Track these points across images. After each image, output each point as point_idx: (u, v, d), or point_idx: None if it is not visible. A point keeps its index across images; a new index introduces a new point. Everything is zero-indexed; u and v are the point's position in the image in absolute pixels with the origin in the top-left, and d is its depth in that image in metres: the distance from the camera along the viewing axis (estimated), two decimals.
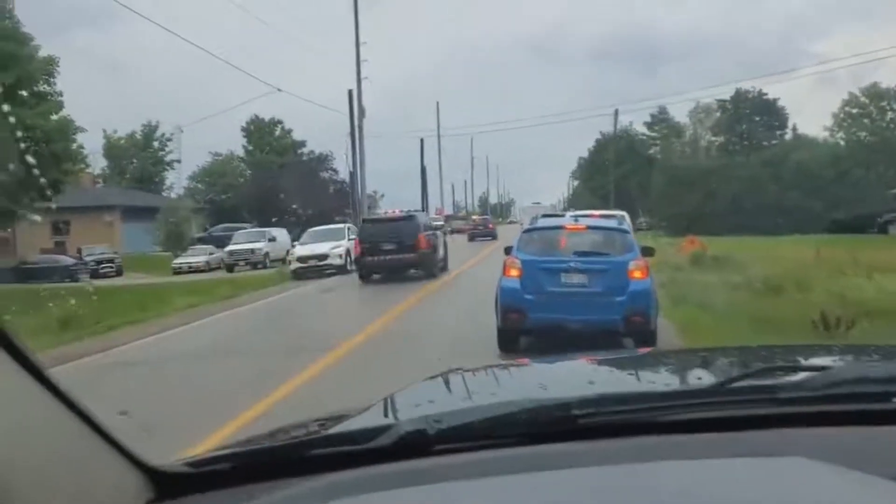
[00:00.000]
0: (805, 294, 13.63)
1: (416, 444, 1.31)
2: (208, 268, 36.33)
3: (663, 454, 1.23)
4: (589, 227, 10.33)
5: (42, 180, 23.34)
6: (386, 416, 1.55)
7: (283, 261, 29.65)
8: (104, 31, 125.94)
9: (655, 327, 9.37)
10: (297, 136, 67.94)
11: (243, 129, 67.20)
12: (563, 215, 14.44)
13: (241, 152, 67.85)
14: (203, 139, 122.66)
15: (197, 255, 38.31)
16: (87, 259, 37.15)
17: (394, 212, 24.61)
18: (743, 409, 1.38)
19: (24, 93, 25.11)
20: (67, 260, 35.62)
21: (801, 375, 1.49)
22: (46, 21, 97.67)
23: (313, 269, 25.26)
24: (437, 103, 77.79)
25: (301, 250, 26.67)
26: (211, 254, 38.27)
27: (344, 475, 1.25)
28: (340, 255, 25.72)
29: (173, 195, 63.97)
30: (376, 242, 21.20)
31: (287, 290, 21.70)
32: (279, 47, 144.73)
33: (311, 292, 20.47)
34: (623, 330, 8.99)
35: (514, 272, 9.53)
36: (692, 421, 1.35)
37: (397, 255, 20.92)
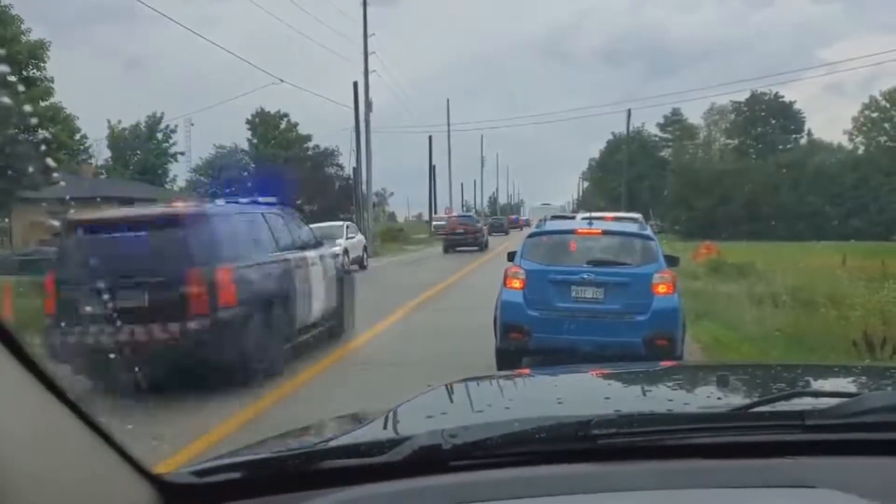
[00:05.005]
0: (840, 309, 12.44)
1: (431, 459, 1.27)
2: None
3: (688, 481, 1.21)
4: (605, 232, 8.89)
5: (29, 166, 22.32)
6: (399, 427, 1.55)
7: None
8: (116, 26, 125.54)
9: (682, 352, 8.04)
10: (303, 130, 66.74)
11: (248, 122, 66.11)
12: (573, 217, 13.07)
13: (245, 145, 66.76)
14: (208, 132, 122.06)
15: None
16: None
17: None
18: (770, 435, 1.32)
19: (11, 76, 24.04)
20: None
21: (831, 401, 1.39)
22: (60, 15, 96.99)
23: None
24: (448, 100, 76.26)
25: None
26: None
27: (357, 491, 1.23)
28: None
29: (176, 188, 62.92)
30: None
31: None
32: (290, 42, 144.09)
33: None
34: (644, 354, 7.65)
35: (516, 283, 8.19)
36: (716, 445, 1.30)
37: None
